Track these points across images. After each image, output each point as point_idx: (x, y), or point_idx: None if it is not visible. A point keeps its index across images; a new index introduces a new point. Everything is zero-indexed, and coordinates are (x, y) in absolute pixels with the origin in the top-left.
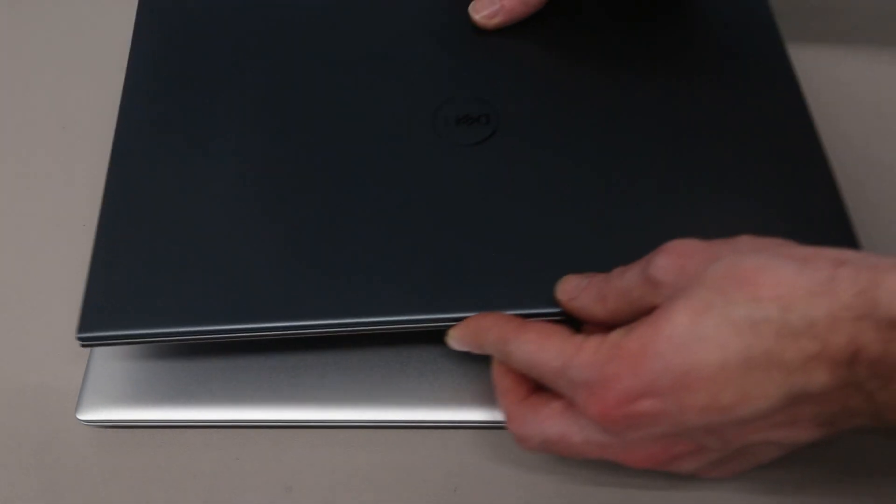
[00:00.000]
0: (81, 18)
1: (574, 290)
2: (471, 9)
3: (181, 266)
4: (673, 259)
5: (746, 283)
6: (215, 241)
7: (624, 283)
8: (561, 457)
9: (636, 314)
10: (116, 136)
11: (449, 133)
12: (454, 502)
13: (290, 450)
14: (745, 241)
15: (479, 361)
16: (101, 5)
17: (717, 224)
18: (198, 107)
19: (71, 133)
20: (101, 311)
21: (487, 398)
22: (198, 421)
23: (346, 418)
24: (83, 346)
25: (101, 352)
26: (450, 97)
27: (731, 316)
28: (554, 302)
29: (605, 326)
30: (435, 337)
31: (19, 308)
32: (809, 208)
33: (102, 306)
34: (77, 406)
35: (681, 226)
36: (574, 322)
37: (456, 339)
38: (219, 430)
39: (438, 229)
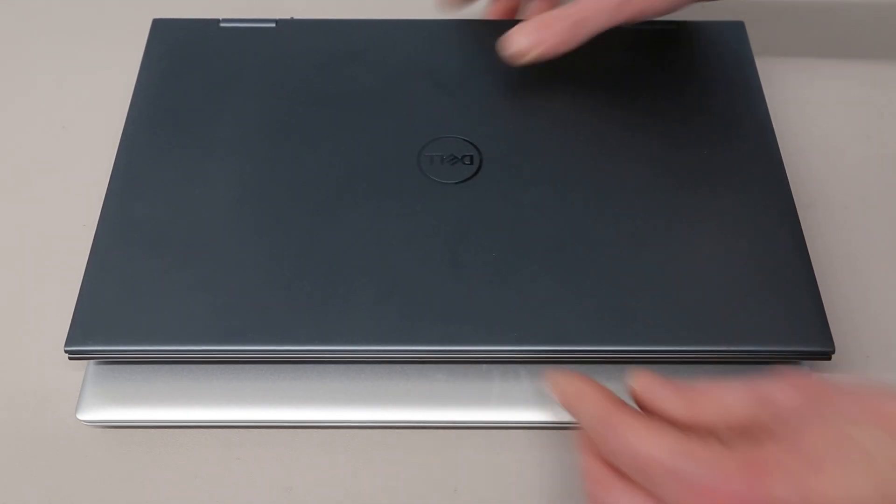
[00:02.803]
0: (82, 18)
1: (649, 384)
2: (503, 41)
3: (169, 287)
4: (792, 391)
5: (883, 419)
6: (204, 266)
7: (727, 397)
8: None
9: (728, 428)
10: (117, 159)
11: (434, 171)
12: (454, 502)
13: (290, 450)
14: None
15: (478, 362)
16: (101, 6)
17: (691, 281)
18: (194, 137)
19: (71, 133)
20: (90, 326)
21: (487, 398)
22: (198, 421)
23: (346, 418)
24: (71, 358)
25: None
26: (437, 137)
27: (867, 448)
28: (512, 342)
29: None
30: None
31: (19, 308)
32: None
33: (91, 321)
34: (77, 406)
35: (655, 277)
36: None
37: (551, 389)
38: (219, 430)
39: (415, 264)
